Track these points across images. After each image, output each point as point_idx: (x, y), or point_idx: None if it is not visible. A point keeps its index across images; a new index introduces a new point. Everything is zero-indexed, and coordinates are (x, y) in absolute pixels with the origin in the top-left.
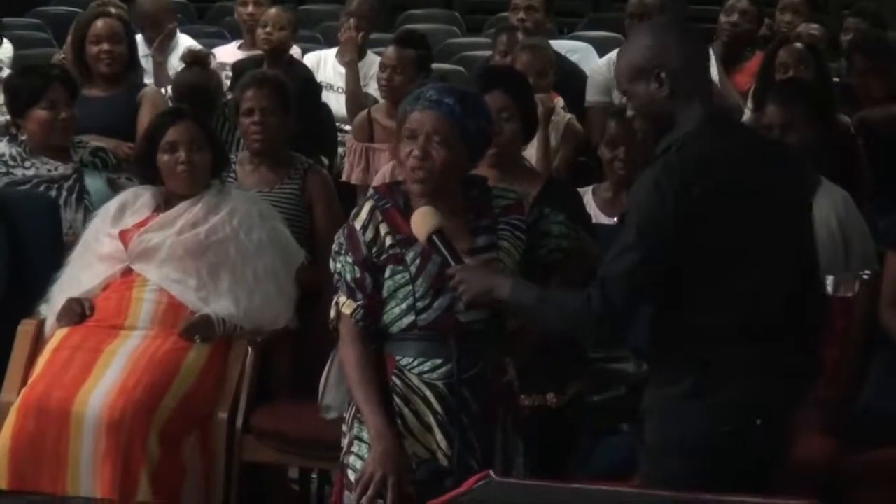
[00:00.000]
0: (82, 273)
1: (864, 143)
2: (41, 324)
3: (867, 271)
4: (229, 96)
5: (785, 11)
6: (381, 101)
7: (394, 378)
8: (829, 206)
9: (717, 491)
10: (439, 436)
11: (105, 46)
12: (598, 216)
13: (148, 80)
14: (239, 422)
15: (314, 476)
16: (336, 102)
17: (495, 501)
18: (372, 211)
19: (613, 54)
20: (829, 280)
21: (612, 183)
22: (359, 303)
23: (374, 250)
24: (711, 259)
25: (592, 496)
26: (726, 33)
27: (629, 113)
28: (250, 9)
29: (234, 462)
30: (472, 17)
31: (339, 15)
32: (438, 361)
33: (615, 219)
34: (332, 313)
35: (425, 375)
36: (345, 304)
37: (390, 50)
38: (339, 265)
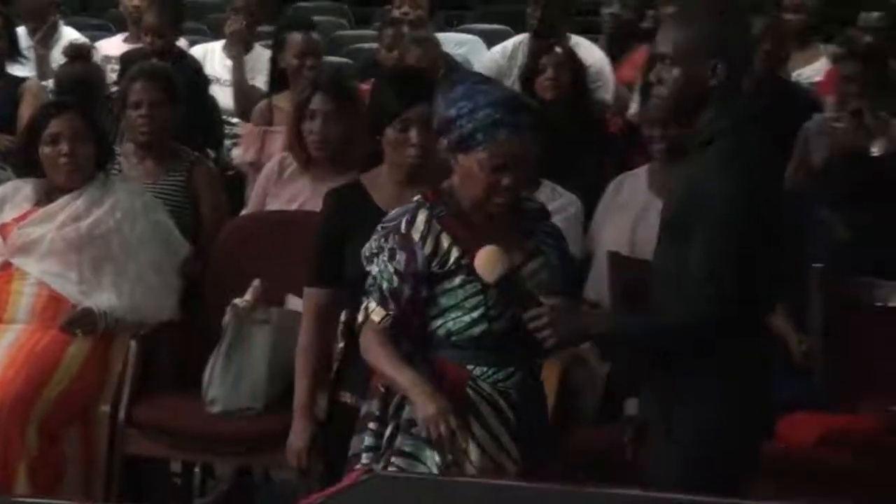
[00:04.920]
0: None
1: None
2: None
3: None
4: (114, 89)
5: (667, 4)
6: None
7: (468, 390)
8: None
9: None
10: (510, 445)
11: None
12: None
13: (31, 72)
14: (121, 415)
15: (197, 470)
16: (223, 95)
17: (380, 496)
18: (429, 221)
19: (508, 43)
20: None
21: None
22: (389, 312)
23: (434, 262)
24: (764, 252)
25: (482, 490)
26: (609, 25)
27: (654, 83)
28: (135, 1)
29: (115, 455)
30: (361, 9)
31: (224, 7)
32: (511, 370)
33: None
34: (361, 317)
35: (500, 384)
36: (374, 311)
37: (294, 36)
38: (376, 269)
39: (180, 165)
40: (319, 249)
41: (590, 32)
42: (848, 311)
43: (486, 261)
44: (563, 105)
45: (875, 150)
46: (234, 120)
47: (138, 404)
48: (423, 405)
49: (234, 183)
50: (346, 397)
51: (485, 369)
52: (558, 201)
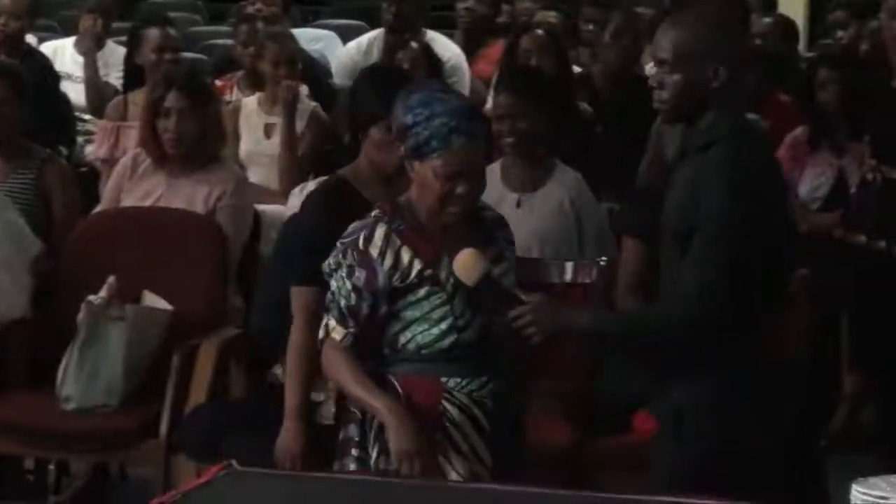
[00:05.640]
0: None
1: (603, 130)
2: None
3: (604, 258)
4: None
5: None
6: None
7: (444, 403)
8: (562, 187)
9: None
10: (484, 453)
11: None
12: None
13: None
14: None
15: (51, 467)
16: (74, 92)
17: (238, 491)
18: (388, 236)
19: (363, 38)
20: (569, 266)
21: None
22: (349, 330)
23: (395, 277)
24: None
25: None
26: (464, 20)
27: (656, 88)
28: None
29: None
30: (215, 5)
31: (76, 3)
32: (484, 378)
33: None
34: (321, 334)
35: (475, 394)
36: (334, 330)
37: (153, 31)
38: (335, 285)
39: (30, 163)
40: (306, 248)
41: (445, 27)
42: None
43: (465, 264)
44: None
45: None
46: (87, 116)
47: None
48: (397, 438)
49: (87, 179)
50: None
51: (458, 380)
52: None
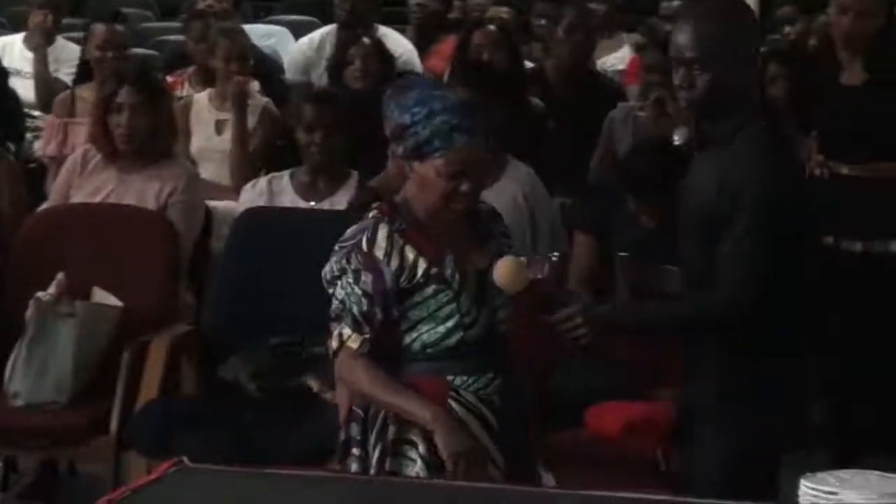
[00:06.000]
0: None
1: (555, 125)
2: None
3: (556, 253)
4: None
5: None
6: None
7: (450, 402)
8: (515, 182)
9: None
10: (494, 452)
11: None
12: (296, 201)
13: None
14: None
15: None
16: (23, 88)
17: (188, 488)
18: (390, 236)
19: (315, 34)
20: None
21: (309, 167)
22: (366, 336)
23: (402, 278)
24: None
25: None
26: (416, 16)
27: (685, 88)
28: None
29: None
30: (167, 1)
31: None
32: (491, 375)
33: (312, 203)
34: (335, 344)
35: (481, 392)
36: (350, 338)
37: (99, 27)
38: (342, 292)
39: None
40: None
41: (397, 23)
42: (651, 300)
43: (509, 271)
44: (372, 95)
45: (677, 139)
46: (36, 113)
47: None
48: (449, 442)
49: (36, 176)
50: None
51: (465, 378)
52: None
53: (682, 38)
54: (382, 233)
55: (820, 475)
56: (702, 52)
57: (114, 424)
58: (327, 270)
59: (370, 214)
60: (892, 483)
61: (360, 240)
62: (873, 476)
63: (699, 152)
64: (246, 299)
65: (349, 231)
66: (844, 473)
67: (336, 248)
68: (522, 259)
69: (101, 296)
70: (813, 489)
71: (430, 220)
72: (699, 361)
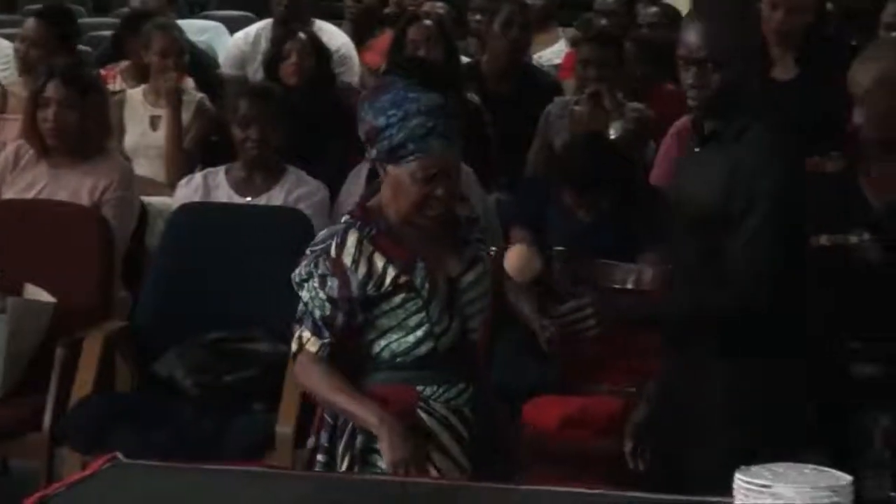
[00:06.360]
0: None
1: (492, 119)
2: None
3: (493, 248)
4: None
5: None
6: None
7: (419, 412)
8: None
9: None
10: (462, 460)
11: None
12: (232, 196)
13: None
14: None
15: None
16: None
17: (123, 484)
18: (360, 242)
19: (251, 29)
20: None
21: (245, 163)
22: (325, 341)
23: (370, 286)
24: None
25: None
26: (352, 10)
27: (696, 87)
28: None
29: None
30: None
31: None
32: (462, 385)
33: (248, 199)
34: (294, 346)
35: (452, 402)
36: (309, 342)
37: (30, 22)
38: (307, 295)
39: None
40: None
41: (333, 18)
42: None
43: (520, 261)
44: (308, 90)
45: (612, 133)
46: None
47: None
48: (391, 449)
49: None
50: None
51: (435, 388)
52: (304, 188)
53: (693, 36)
54: (352, 239)
55: (755, 468)
56: (714, 51)
57: (47, 420)
58: (296, 273)
59: (343, 219)
60: (825, 476)
61: (330, 245)
62: (808, 469)
63: (699, 151)
64: (181, 295)
65: (320, 235)
66: (778, 467)
67: (307, 251)
68: (533, 248)
69: (33, 292)
70: (747, 482)
71: (402, 226)
72: (698, 358)
